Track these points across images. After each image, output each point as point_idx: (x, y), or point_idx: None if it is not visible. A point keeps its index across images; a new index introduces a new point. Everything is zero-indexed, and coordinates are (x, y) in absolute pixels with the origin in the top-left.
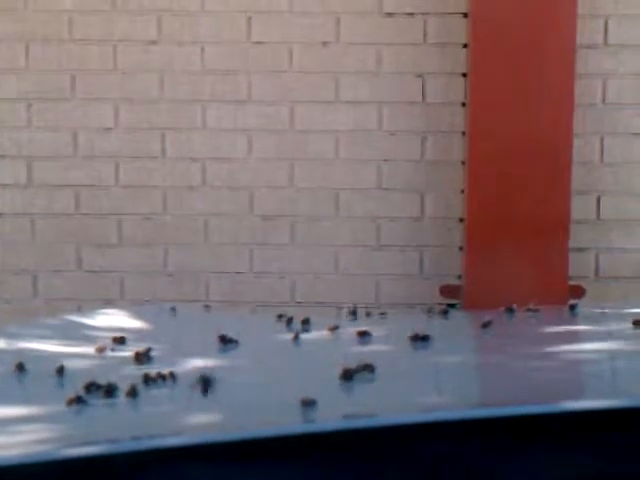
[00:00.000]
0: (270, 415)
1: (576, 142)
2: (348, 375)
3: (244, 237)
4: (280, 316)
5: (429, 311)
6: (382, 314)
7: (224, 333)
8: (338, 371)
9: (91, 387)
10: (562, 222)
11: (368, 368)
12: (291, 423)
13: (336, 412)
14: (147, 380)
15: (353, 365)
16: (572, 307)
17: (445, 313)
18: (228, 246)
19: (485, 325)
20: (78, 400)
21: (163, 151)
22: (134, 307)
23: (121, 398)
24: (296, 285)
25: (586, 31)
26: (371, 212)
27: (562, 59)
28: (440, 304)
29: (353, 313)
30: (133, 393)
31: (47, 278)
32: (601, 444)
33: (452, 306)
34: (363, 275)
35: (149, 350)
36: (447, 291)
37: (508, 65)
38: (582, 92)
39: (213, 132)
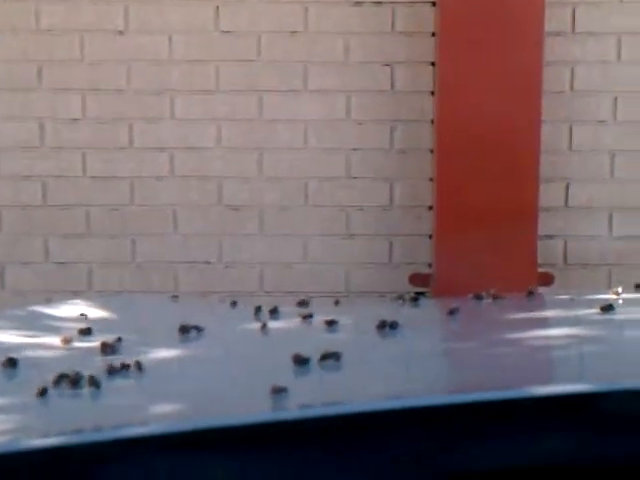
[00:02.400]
0: (239, 403)
1: (544, 129)
2: (301, 361)
3: (213, 227)
4: (233, 302)
5: (399, 299)
6: (336, 303)
7: (191, 323)
8: (309, 358)
9: (59, 379)
10: (531, 209)
11: (335, 356)
12: (261, 411)
13: (304, 400)
14: (112, 370)
15: (319, 353)
16: (539, 294)
17: (415, 300)
18: (197, 236)
19: (452, 312)
20: (44, 391)
21: (131, 141)
22: (101, 298)
23: (86, 389)
24: (265, 275)
25: (554, 19)
26: (340, 201)
27: (530, 47)
28: (410, 292)
29: (303, 303)
30: (96, 383)
31: (15, 270)
32: (570, 428)
33: (422, 294)
34: (332, 264)
35: (116, 340)
36: (417, 279)
37: (476, 53)
38: (550, 80)
39: (181, 122)
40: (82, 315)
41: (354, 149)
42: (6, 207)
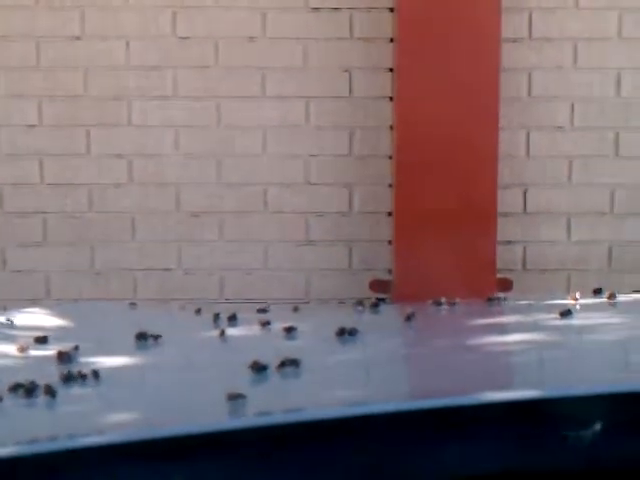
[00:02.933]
0: (196, 411)
1: (502, 136)
2: (258, 367)
3: (172, 234)
4: (198, 310)
5: (358, 305)
6: (295, 309)
7: (149, 330)
8: (267, 365)
9: (15, 387)
10: (489, 215)
11: (293, 363)
12: (218, 418)
13: (261, 407)
14: (68, 379)
15: (277, 360)
16: (498, 299)
17: (375, 306)
18: (156, 243)
19: (409, 318)
20: None
21: (88, 148)
22: (58, 306)
23: (41, 397)
24: (225, 281)
25: (510, 25)
26: (299, 207)
27: (487, 53)
28: (370, 298)
29: (263, 311)
30: (52, 392)
31: None
32: (528, 434)
33: (382, 300)
34: (292, 270)
35: (72, 349)
36: (377, 285)
37: (434, 59)
38: (507, 86)
39: (139, 128)
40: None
41: (313, 155)
42: None
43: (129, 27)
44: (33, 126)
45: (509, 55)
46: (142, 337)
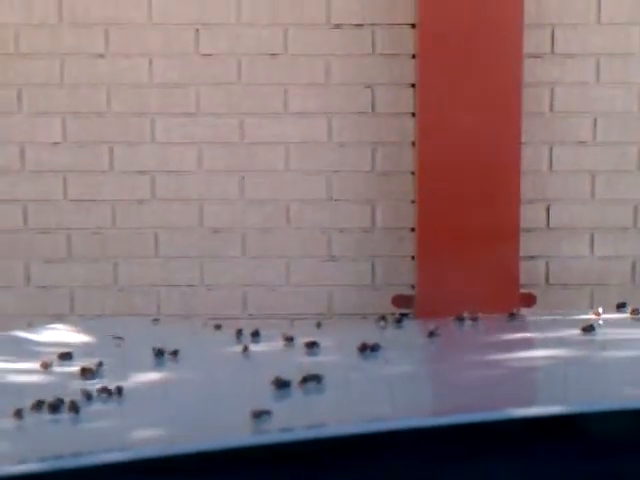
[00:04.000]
0: (220, 427)
1: (525, 151)
2: (281, 383)
3: (194, 250)
4: (218, 326)
5: (381, 320)
6: (318, 325)
7: (172, 346)
8: (290, 381)
9: (38, 404)
10: (512, 231)
11: (316, 378)
12: (242, 435)
13: (285, 423)
14: (92, 395)
15: (300, 376)
16: (520, 315)
17: (398, 322)
18: (178, 259)
19: (431, 333)
20: (21, 416)
21: (111, 165)
22: (82, 322)
23: (65, 414)
24: (248, 297)
25: (533, 40)
26: (322, 223)
27: (509, 68)
28: (393, 314)
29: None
30: (76, 408)
31: None
32: (552, 449)
33: (405, 316)
34: (315, 286)
35: (96, 365)
36: (399, 301)
37: (456, 75)
38: (530, 101)
39: (162, 145)
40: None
41: (335, 171)
42: None
43: (152, 45)
44: (57, 143)
45: (531, 70)
46: (166, 353)
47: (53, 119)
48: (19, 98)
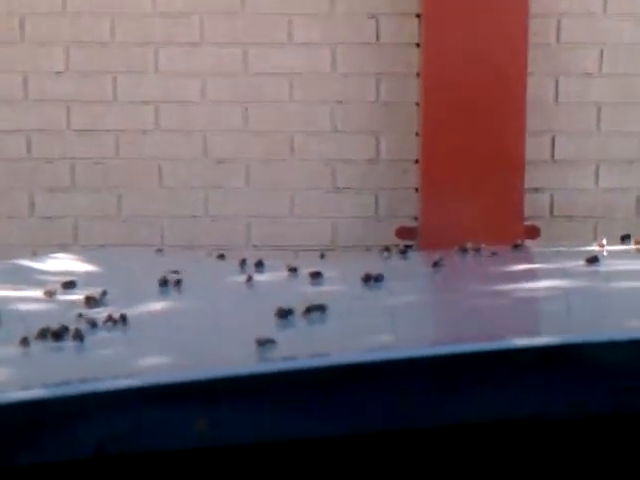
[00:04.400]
0: (225, 355)
1: (530, 82)
2: (285, 313)
3: (198, 181)
4: (221, 256)
5: (385, 251)
6: (322, 256)
7: (176, 276)
8: (293, 311)
9: (43, 332)
10: (517, 162)
11: (320, 308)
12: (247, 362)
13: (289, 352)
14: (96, 323)
15: (304, 305)
16: (524, 246)
17: (402, 253)
18: (182, 190)
19: (436, 264)
20: (26, 343)
21: (115, 95)
22: (85, 251)
23: (70, 341)
24: (251, 228)
25: None
26: (326, 155)
27: None
28: (397, 246)
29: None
30: (80, 336)
31: None
32: (554, 379)
33: (409, 248)
34: (319, 218)
35: (100, 294)
36: (403, 233)
37: (461, 5)
38: (536, 32)
39: (166, 75)
40: (175, 272)
41: (339, 102)
42: None
43: None
44: (60, 73)
45: (538, 1)
46: (169, 283)
47: (56, 48)
48: (21, 27)
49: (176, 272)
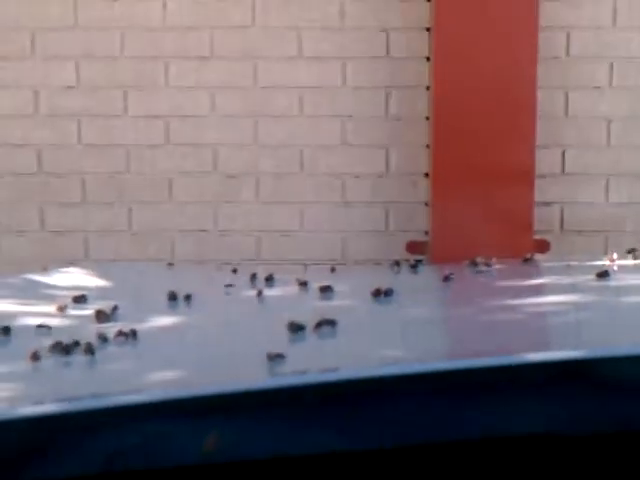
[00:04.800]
0: (235, 370)
1: (540, 96)
2: (296, 328)
3: (208, 195)
4: (234, 270)
5: (395, 265)
6: (332, 270)
7: (187, 290)
8: (304, 325)
9: (54, 346)
10: (527, 176)
11: (330, 323)
12: (258, 377)
13: (300, 366)
14: (107, 338)
15: (314, 320)
16: (535, 260)
17: (412, 267)
18: (192, 204)
19: (446, 279)
20: (36, 357)
21: (125, 109)
22: (97, 266)
23: (81, 356)
24: (261, 243)
25: None
26: (336, 168)
27: (525, 11)
28: (407, 260)
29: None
30: (91, 351)
31: (10, 238)
32: (565, 394)
33: (419, 262)
34: (329, 232)
35: (111, 309)
36: (414, 247)
37: (471, 18)
38: (546, 45)
39: (176, 89)
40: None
41: (349, 116)
42: (1, 176)
43: None
44: (71, 87)
45: (547, 14)
46: (180, 297)
47: (67, 63)
48: (32, 42)
49: (230, 285)
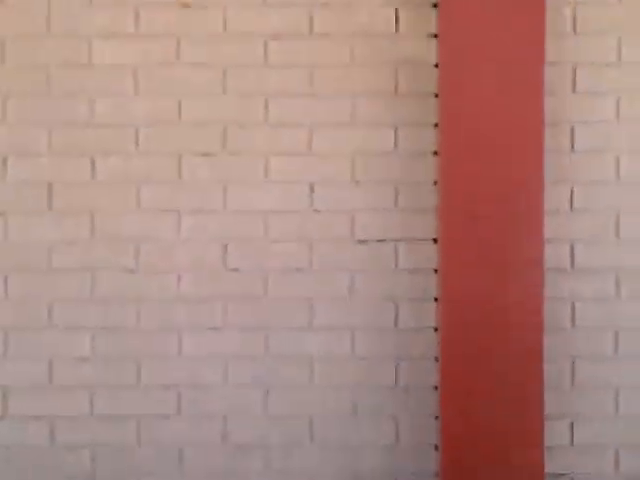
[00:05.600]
0: None
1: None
2: None
3: (219, 468)
4: None
5: None
6: None
7: None
8: None
9: None
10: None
11: None
12: None
13: None
14: None
15: None
16: None
17: None
18: (204, 477)
19: None
20: None
21: (138, 379)
22: None
23: None
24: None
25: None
26: (344, 438)
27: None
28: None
29: None
30: None
31: None
32: None
33: None
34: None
35: None
36: None
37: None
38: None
39: (188, 359)
40: None
41: (358, 384)
42: (12, 447)
43: (181, 259)
44: (85, 358)
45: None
46: None
47: (80, 335)
48: (50, 313)
49: None
